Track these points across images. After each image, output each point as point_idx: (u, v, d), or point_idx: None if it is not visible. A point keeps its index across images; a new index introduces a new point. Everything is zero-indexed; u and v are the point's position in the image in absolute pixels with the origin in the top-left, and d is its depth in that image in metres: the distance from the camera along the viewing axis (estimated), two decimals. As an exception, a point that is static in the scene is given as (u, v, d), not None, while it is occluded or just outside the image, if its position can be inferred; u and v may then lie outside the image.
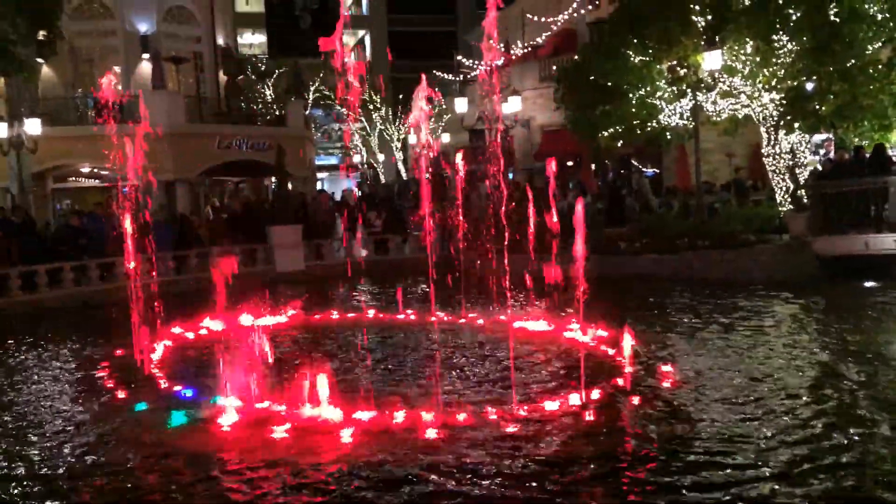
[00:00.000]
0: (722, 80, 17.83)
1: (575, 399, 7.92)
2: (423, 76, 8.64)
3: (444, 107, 39.25)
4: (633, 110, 19.48)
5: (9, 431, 8.05)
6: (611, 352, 9.96)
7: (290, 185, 25.74)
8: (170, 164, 24.31)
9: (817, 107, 16.95)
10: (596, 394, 8.09)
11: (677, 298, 14.66)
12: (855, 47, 16.30)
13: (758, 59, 17.08)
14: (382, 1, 53.91)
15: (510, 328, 10.92)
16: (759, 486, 5.82)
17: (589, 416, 7.54)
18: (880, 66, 16.64)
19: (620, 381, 8.55)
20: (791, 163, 18.18)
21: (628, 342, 9.07)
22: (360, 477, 6.29)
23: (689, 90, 18.48)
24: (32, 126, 21.10)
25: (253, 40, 50.76)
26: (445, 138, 39.85)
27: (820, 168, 19.22)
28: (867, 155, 17.27)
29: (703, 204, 19.47)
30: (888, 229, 15.52)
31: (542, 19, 34.02)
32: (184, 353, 11.52)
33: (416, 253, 21.09)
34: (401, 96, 41.75)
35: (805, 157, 18.75)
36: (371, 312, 14.39)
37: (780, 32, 16.66)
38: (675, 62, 18.39)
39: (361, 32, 54.63)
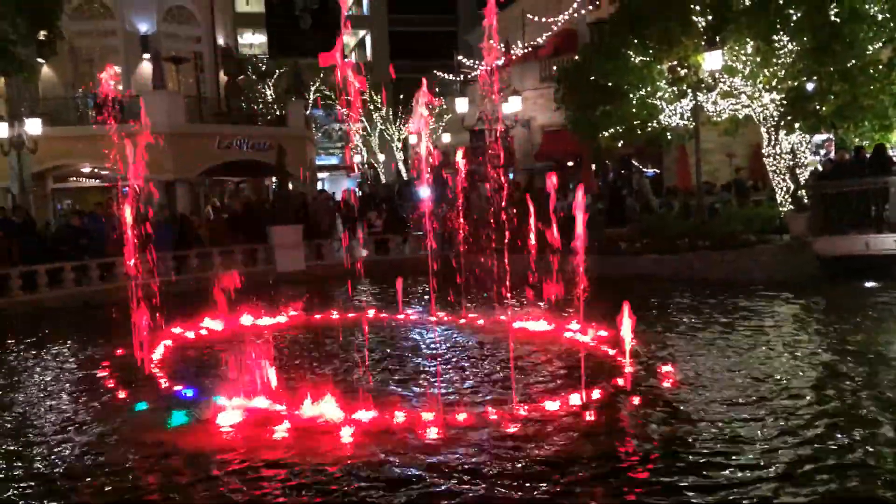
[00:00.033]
0: (722, 80, 17.82)
1: (575, 399, 7.92)
2: (424, 81, 8.67)
3: (444, 107, 39.30)
4: (634, 110, 19.46)
5: (9, 431, 8.05)
6: (611, 352, 9.96)
7: (290, 185, 25.74)
8: (170, 164, 24.32)
9: (818, 107, 16.94)
10: (596, 394, 8.09)
11: (678, 299, 14.65)
12: (855, 47, 16.29)
13: (758, 59, 17.07)
14: (383, 1, 53.91)
15: (510, 328, 10.92)
16: (761, 486, 5.80)
17: (589, 417, 7.53)
18: (881, 67, 16.63)
19: (621, 381, 8.55)
20: (791, 163, 18.16)
21: (628, 338, 9.05)
22: (360, 477, 6.28)
23: (689, 90, 18.47)
24: (33, 126, 21.11)
25: (253, 40, 50.78)
26: (446, 138, 39.86)
27: (820, 168, 19.20)
28: (867, 155, 17.26)
29: (704, 204, 19.46)
30: (889, 229, 15.51)
31: (543, 19, 34.02)
32: (184, 353, 11.52)
33: (416, 253, 21.10)
34: (401, 96, 41.78)
35: (805, 158, 18.73)
36: (371, 312, 14.38)
37: (781, 33, 16.65)
38: (675, 62, 18.39)
39: (362, 32, 54.63)
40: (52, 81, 26.93)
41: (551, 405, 7.74)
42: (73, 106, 26.36)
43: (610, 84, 19.48)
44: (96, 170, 26.13)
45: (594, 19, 30.16)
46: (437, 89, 42.12)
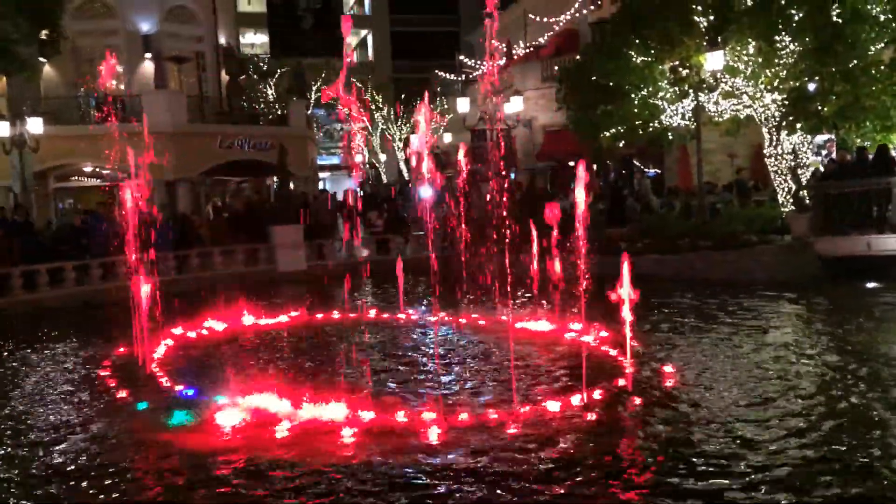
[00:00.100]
0: (724, 80, 17.80)
1: (577, 400, 7.91)
2: (426, 94, 8.72)
3: (446, 107, 39.30)
4: (635, 111, 19.44)
5: (9, 431, 8.05)
6: (613, 352, 9.95)
7: (291, 185, 25.76)
8: (171, 163, 24.26)
9: (819, 107, 16.91)
10: (598, 394, 8.07)
11: (679, 299, 14.64)
12: (857, 48, 16.27)
13: (760, 59, 17.05)
14: (384, 1, 53.92)
15: (511, 328, 10.90)
16: (765, 488, 5.78)
17: (591, 417, 7.52)
18: (883, 67, 16.60)
19: (622, 382, 8.54)
20: (793, 163, 18.14)
21: (629, 338, 9.05)
22: (360, 478, 6.28)
23: (691, 90, 18.44)
24: (35, 125, 21.12)
25: (255, 40, 50.81)
26: (447, 138, 39.88)
27: (822, 169, 19.18)
28: (870, 156, 17.23)
29: (705, 204, 19.45)
30: (891, 230, 15.48)
31: (545, 19, 34.04)
32: (185, 353, 11.51)
33: (417, 253, 21.08)
34: (403, 96, 41.78)
35: (807, 158, 18.72)
36: (372, 312, 14.38)
37: (783, 33, 16.62)
38: (677, 62, 18.36)
39: (363, 32, 54.65)
40: (54, 81, 26.95)
41: (553, 406, 7.73)
42: (75, 105, 26.36)
43: (611, 84, 19.47)
44: (98, 169, 26.14)
45: (596, 19, 30.15)
46: (438, 89, 42.18)
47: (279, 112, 34.61)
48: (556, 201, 22.48)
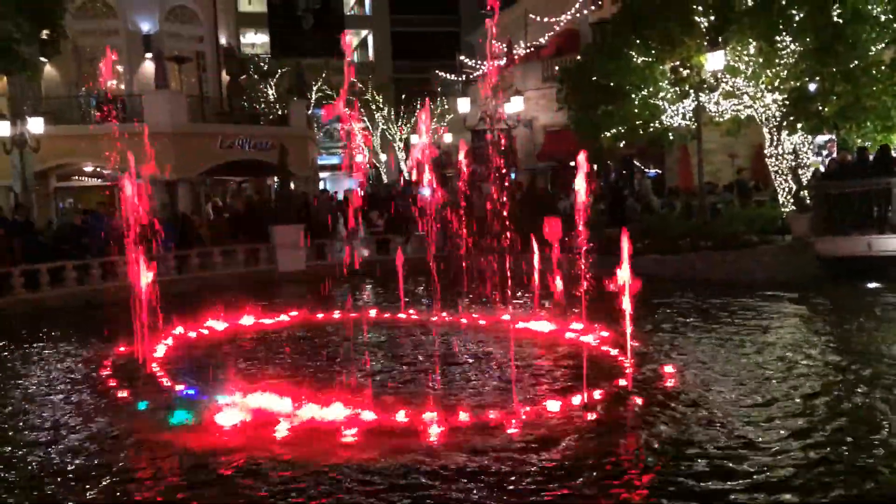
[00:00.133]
0: (725, 80, 17.79)
1: (577, 400, 7.90)
2: (427, 101, 8.75)
3: (446, 107, 39.30)
4: (636, 111, 19.44)
5: (8, 431, 8.04)
6: (613, 352, 9.94)
7: (292, 185, 25.75)
8: (172, 163, 24.29)
9: (820, 108, 16.90)
10: (598, 395, 8.06)
11: (680, 299, 14.63)
12: (858, 48, 16.26)
13: (760, 59, 17.04)
14: (385, 1, 53.91)
15: (512, 328, 10.90)
16: (768, 489, 5.77)
17: (592, 418, 7.52)
18: (883, 67, 16.60)
19: (623, 382, 8.53)
20: (794, 164, 18.14)
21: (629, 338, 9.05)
22: (360, 478, 6.27)
23: (691, 91, 18.44)
24: (35, 125, 21.11)
25: (255, 40, 50.82)
26: (448, 138, 39.86)
27: (823, 169, 19.17)
28: (871, 156, 17.22)
29: (706, 205, 19.43)
30: (891, 231, 15.48)
31: (545, 19, 34.02)
32: (185, 353, 11.51)
33: (418, 253, 21.07)
34: (403, 96, 41.76)
35: (808, 158, 18.72)
36: (373, 312, 14.37)
37: (783, 33, 16.61)
38: (677, 63, 18.36)
39: (364, 32, 54.64)
40: (55, 80, 26.93)
41: (554, 406, 7.72)
42: (76, 105, 26.36)
43: (612, 84, 19.47)
44: (99, 169, 26.15)
45: (596, 19, 30.15)
46: (439, 89, 42.18)
47: (279, 112, 34.61)
48: (557, 201, 22.52)
